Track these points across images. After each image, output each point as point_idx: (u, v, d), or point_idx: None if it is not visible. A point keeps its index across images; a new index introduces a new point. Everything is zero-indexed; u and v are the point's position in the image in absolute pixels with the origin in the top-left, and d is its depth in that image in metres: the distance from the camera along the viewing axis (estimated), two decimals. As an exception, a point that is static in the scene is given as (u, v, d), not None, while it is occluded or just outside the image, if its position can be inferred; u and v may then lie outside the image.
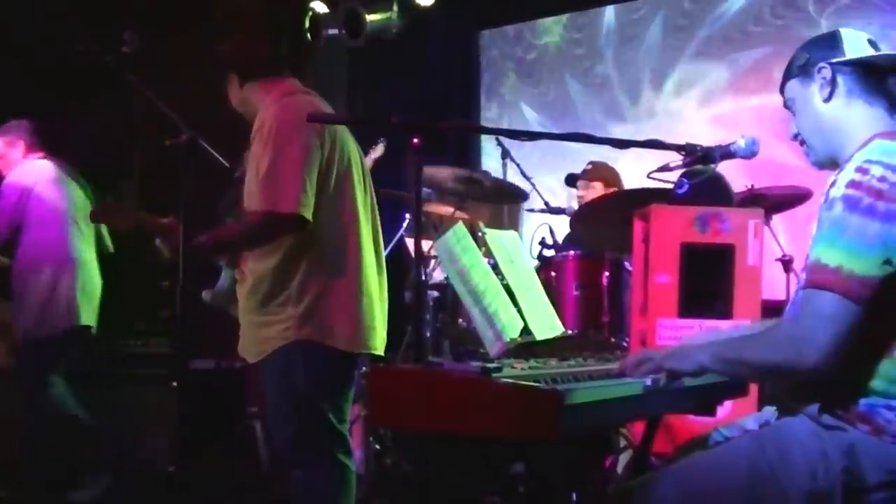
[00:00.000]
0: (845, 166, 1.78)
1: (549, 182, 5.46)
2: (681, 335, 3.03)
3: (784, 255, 4.23)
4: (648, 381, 1.87)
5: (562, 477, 2.70)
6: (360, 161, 2.80)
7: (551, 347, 2.47)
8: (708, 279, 3.23)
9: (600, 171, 4.80)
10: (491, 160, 5.92)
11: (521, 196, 4.53)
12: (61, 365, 4.34)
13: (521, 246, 2.83)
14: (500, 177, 4.68)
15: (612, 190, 4.63)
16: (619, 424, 3.14)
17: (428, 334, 4.01)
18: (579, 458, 2.87)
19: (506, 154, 4.74)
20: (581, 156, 5.04)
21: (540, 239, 3.96)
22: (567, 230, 4.37)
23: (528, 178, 4.67)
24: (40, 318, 4.27)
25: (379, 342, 2.74)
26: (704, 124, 5.75)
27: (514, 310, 2.41)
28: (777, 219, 4.32)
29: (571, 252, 3.78)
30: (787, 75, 1.98)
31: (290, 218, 2.52)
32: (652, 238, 3.26)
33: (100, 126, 4.98)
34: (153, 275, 4.68)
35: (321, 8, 5.39)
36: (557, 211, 4.66)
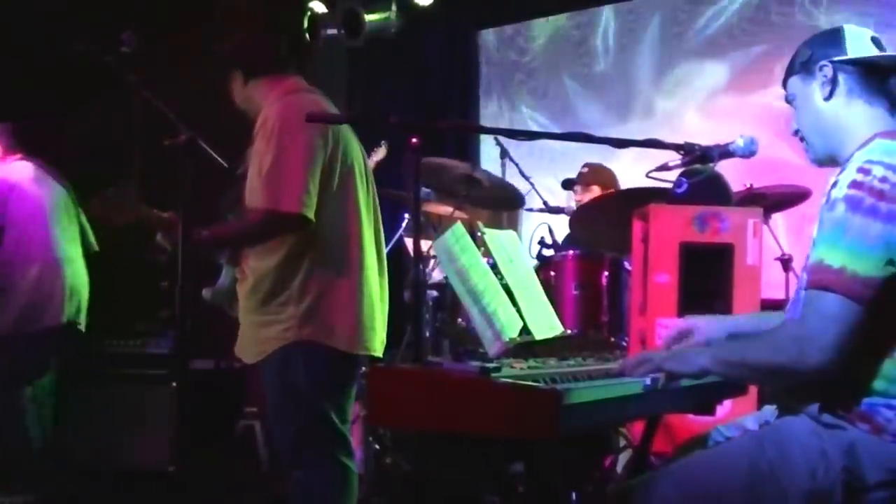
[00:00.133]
0: (846, 166, 1.78)
1: (547, 182, 5.45)
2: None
3: (783, 255, 4.24)
4: (648, 381, 1.87)
5: (561, 477, 2.70)
6: (364, 161, 2.79)
7: (550, 347, 2.47)
8: (707, 278, 3.23)
9: (597, 175, 4.79)
10: (490, 160, 5.91)
11: (519, 200, 4.52)
12: (42, 369, 4.29)
13: (520, 245, 2.82)
14: (500, 177, 4.67)
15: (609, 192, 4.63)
16: (619, 424, 3.14)
17: (427, 334, 4.00)
18: (579, 458, 2.87)
19: (504, 154, 4.74)
20: (580, 156, 5.04)
21: (539, 238, 3.95)
22: (566, 230, 4.37)
23: (526, 178, 4.67)
24: (23, 317, 4.25)
25: (378, 344, 2.73)
26: (703, 123, 5.74)
27: (513, 309, 2.40)
28: (776, 218, 4.32)
29: (571, 252, 3.77)
30: (790, 71, 1.98)
31: (292, 217, 2.51)
32: (651, 237, 3.26)
33: (99, 126, 4.96)
34: (153, 275, 4.66)
35: (320, 8, 5.38)
36: (556, 210, 4.65)
